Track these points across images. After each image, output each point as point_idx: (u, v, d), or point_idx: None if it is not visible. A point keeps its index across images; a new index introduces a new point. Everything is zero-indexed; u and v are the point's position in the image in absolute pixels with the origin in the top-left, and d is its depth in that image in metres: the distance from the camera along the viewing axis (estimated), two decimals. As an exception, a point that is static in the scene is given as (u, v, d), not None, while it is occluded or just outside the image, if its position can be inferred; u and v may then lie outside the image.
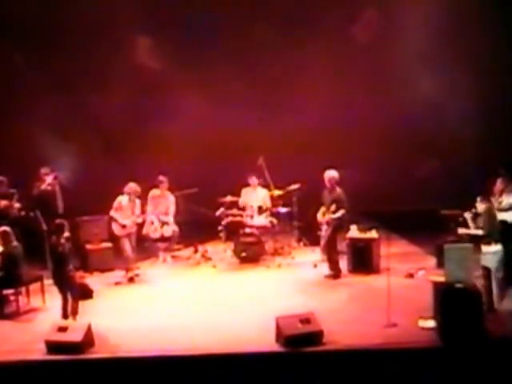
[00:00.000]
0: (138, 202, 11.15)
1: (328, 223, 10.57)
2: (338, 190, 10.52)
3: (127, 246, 10.94)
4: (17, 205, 11.19)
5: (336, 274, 10.52)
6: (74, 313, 8.79)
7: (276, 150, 12.73)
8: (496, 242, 8.67)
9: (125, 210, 11.02)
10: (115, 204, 11.03)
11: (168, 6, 13.51)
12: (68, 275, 8.85)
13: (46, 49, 13.23)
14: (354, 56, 13.61)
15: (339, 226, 10.56)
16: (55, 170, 11.86)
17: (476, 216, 9.43)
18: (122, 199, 11.06)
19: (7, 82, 13.19)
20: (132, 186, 11.04)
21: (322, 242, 10.89)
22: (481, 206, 9.39)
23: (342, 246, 11.17)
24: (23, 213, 11.18)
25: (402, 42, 13.46)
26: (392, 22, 13.47)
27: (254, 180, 12.05)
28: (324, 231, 10.80)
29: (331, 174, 10.56)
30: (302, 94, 13.56)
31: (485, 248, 8.72)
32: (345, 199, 10.49)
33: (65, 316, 8.78)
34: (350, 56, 13.59)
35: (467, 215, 9.91)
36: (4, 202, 11.01)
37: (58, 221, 9.20)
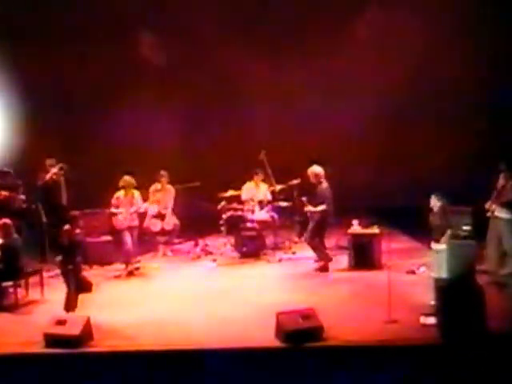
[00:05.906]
0: (136, 193, 11.11)
1: (311, 217, 10.65)
2: (324, 185, 10.52)
3: (128, 240, 10.89)
4: (21, 197, 11.13)
5: (325, 262, 10.53)
6: (74, 306, 8.75)
7: (277, 144, 12.70)
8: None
9: (124, 204, 10.97)
10: (114, 200, 11.00)
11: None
12: (77, 266, 8.84)
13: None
14: (358, 53, 13.59)
15: (321, 220, 10.55)
16: (61, 161, 11.84)
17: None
18: (120, 194, 11.02)
19: (8, 76, 13.16)
20: (126, 179, 10.98)
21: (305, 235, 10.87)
22: (435, 204, 9.39)
23: (343, 241, 11.17)
24: (25, 205, 11.13)
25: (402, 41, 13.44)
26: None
27: (259, 176, 12.02)
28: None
29: (317, 170, 10.57)
30: (302, 91, 13.55)
31: (433, 245, 8.81)
32: (327, 195, 10.49)
33: (67, 308, 8.74)
34: (353, 53, 13.58)
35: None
36: (5, 193, 10.96)
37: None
